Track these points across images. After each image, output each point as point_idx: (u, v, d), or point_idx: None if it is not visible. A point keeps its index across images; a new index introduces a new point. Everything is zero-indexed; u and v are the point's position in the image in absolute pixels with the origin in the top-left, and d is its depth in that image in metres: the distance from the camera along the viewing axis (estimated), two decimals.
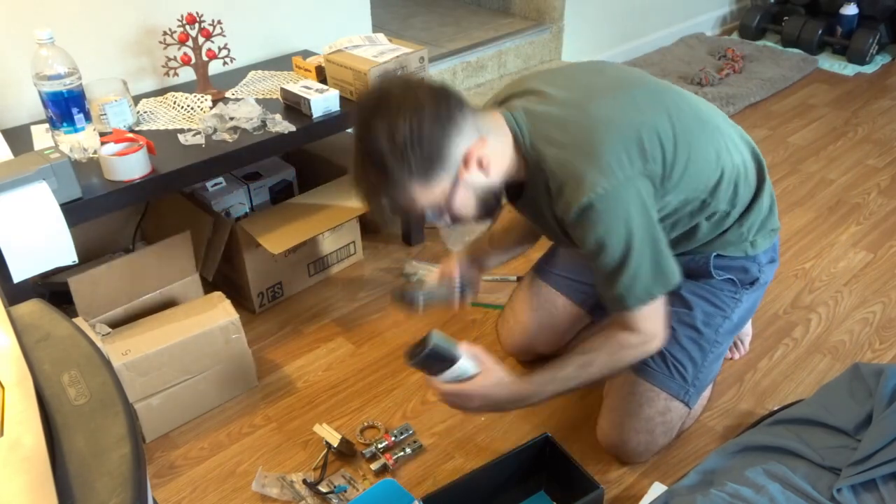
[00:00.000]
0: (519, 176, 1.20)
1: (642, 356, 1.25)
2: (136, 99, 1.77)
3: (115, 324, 1.53)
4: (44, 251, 1.28)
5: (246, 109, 1.64)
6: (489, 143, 1.13)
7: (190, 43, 1.71)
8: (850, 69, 3.23)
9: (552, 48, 3.00)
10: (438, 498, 1.25)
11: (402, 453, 1.44)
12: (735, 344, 1.67)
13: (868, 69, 3.23)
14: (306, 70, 1.85)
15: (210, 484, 1.42)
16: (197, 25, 1.70)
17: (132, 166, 1.42)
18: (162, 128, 1.65)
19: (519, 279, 1.93)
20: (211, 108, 1.70)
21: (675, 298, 1.38)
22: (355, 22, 2.19)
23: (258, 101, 1.76)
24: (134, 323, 1.53)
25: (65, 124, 1.51)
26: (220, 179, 1.84)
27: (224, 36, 1.78)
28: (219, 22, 1.75)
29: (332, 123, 1.71)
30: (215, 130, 1.60)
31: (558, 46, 3.02)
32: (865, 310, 1.81)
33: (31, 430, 0.62)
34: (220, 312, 1.53)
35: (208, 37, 1.73)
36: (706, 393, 1.50)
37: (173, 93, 1.77)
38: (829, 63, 3.29)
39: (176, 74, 1.81)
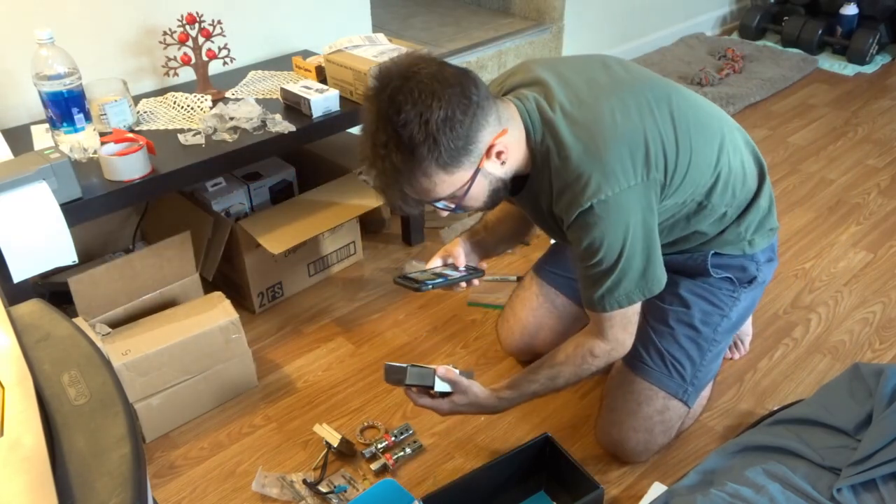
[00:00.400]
0: (525, 169, 1.20)
1: (607, 364, 1.28)
2: (136, 99, 1.77)
3: (115, 324, 1.53)
4: (44, 251, 1.28)
5: (246, 109, 1.64)
6: (509, 134, 1.12)
7: (190, 43, 1.71)
8: (850, 69, 3.23)
9: (552, 48, 3.00)
10: (438, 498, 1.25)
11: (402, 453, 1.44)
12: (735, 344, 1.67)
13: (868, 69, 3.23)
14: (306, 70, 1.85)
15: (210, 484, 1.42)
16: (197, 25, 1.70)
17: (132, 166, 1.42)
18: (162, 128, 1.65)
19: (519, 279, 1.93)
20: (211, 108, 1.70)
21: (674, 297, 1.38)
22: (355, 22, 2.19)
23: (258, 101, 1.76)
24: (134, 323, 1.53)
25: (65, 124, 1.51)
26: (220, 179, 1.83)
27: (224, 36, 1.78)
28: (219, 22, 1.75)
29: (332, 123, 1.71)
30: (215, 130, 1.60)
31: (558, 46, 3.02)
32: (865, 310, 1.81)
33: (31, 430, 0.62)
34: (220, 312, 1.53)
35: (208, 37, 1.73)
36: (706, 392, 1.50)
37: (173, 93, 1.77)
38: (829, 63, 3.29)
39: (176, 74, 1.81)
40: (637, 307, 1.23)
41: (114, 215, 1.84)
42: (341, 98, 1.73)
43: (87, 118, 1.54)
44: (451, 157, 1.05)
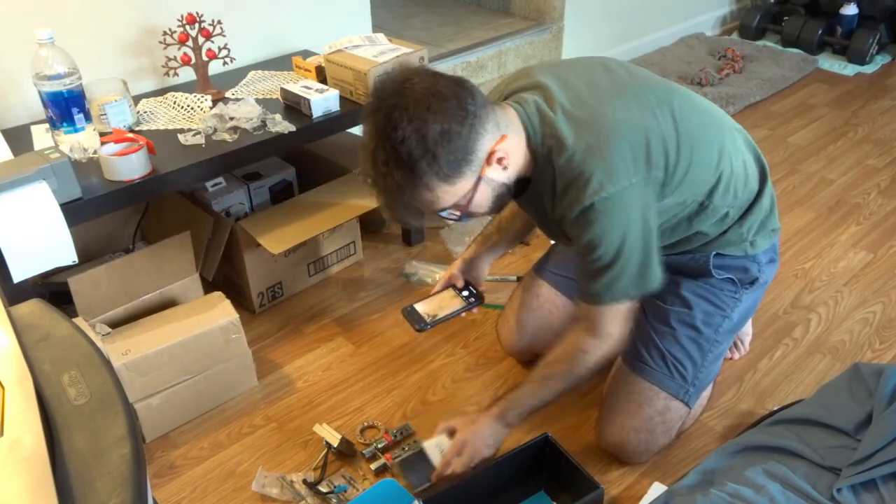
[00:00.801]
0: (527, 171, 1.21)
1: (599, 362, 1.28)
2: (136, 99, 1.77)
3: (115, 324, 1.53)
4: (44, 251, 1.28)
5: (246, 109, 1.64)
6: (509, 139, 1.13)
7: (190, 43, 1.71)
8: (850, 69, 3.23)
9: (552, 48, 3.00)
10: (438, 498, 1.25)
11: (402, 453, 1.44)
12: (735, 344, 1.66)
13: (868, 69, 3.23)
14: (306, 70, 1.85)
15: (210, 484, 1.42)
16: (197, 25, 1.70)
17: (132, 166, 1.42)
18: (162, 128, 1.65)
19: (519, 279, 1.93)
20: (211, 108, 1.70)
21: (676, 298, 1.38)
22: (355, 22, 2.19)
23: (258, 101, 1.76)
24: (134, 323, 1.53)
25: (65, 124, 1.51)
26: (220, 179, 1.83)
27: (224, 36, 1.78)
28: (219, 22, 1.75)
29: (332, 123, 1.71)
30: (215, 130, 1.60)
31: (558, 46, 3.02)
32: (865, 310, 1.81)
33: (31, 430, 0.62)
34: (220, 312, 1.53)
35: (208, 37, 1.73)
36: (706, 393, 1.50)
37: (173, 93, 1.77)
38: (829, 63, 3.29)
39: (176, 74, 1.81)
40: (631, 304, 1.23)
41: (114, 215, 1.84)
42: (341, 98, 1.73)
43: (87, 118, 1.54)
44: (452, 168, 1.07)
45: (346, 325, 1.81)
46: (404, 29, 3.01)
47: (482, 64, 2.77)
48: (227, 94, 1.80)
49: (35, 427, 0.63)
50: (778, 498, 1.18)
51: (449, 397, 1.59)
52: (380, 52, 1.74)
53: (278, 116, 1.65)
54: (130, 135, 1.49)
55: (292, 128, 1.63)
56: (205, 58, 1.75)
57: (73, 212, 1.33)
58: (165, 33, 1.71)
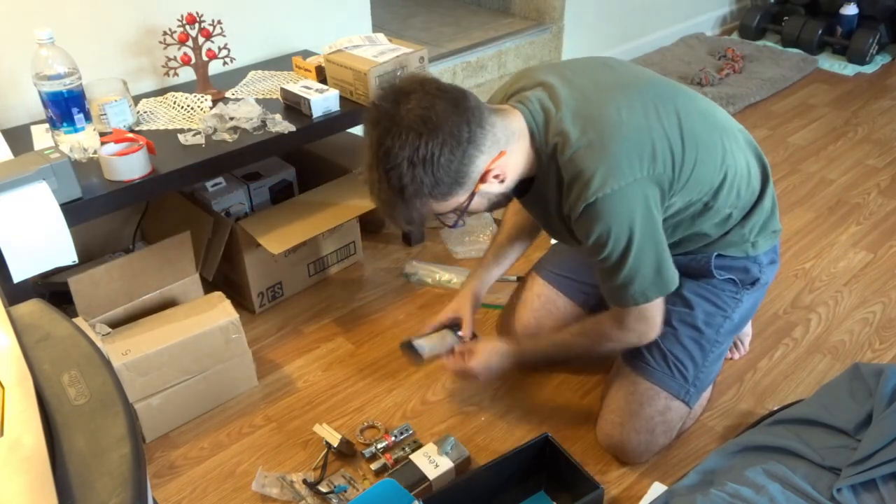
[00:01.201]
0: (530, 171, 1.21)
1: (624, 348, 1.33)
2: (136, 99, 1.77)
3: (115, 324, 1.53)
4: (44, 251, 1.28)
5: (246, 109, 1.64)
6: (508, 153, 1.14)
7: (190, 43, 1.71)
8: (850, 69, 3.23)
9: (552, 48, 3.00)
10: (438, 498, 1.25)
11: (402, 453, 1.44)
12: (735, 344, 1.66)
13: (868, 69, 3.23)
14: (306, 70, 1.85)
15: (210, 484, 1.42)
16: (197, 25, 1.70)
17: (132, 166, 1.42)
18: (162, 128, 1.65)
19: (519, 279, 1.93)
20: (211, 108, 1.70)
21: (677, 298, 1.38)
22: (355, 22, 2.19)
23: (258, 101, 1.76)
24: (134, 323, 1.53)
25: (65, 124, 1.51)
26: (220, 179, 1.83)
27: (224, 36, 1.78)
28: (219, 22, 1.75)
29: (332, 123, 1.71)
30: (215, 130, 1.60)
31: (558, 46, 3.02)
32: (865, 310, 1.81)
33: (31, 430, 0.62)
34: (220, 312, 1.53)
35: (208, 37, 1.73)
36: (706, 393, 1.50)
37: (173, 93, 1.77)
38: (829, 63, 3.29)
39: (176, 74, 1.81)
40: (659, 303, 1.23)
41: (114, 215, 1.84)
42: (341, 98, 1.73)
43: (87, 118, 1.54)
44: (442, 191, 1.10)
45: (346, 325, 1.81)
46: (404, 29, 3.01)
47: (482, 64, 2.77)
48: (227, 94, 1.80)
49: (35, 427, 0.63)
50: (778, 498, 1.18)
51: (449, 397, 1.59)
52: (380, 52, 1.74)
53: (278, 116, 1.65)
54: (130, 135, 1.49)
55: (292, 128, 1.63)
56: (205, 58, 1.75)
57: (73, 212, 1.33)
58: (165, 33, 1.71)
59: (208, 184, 1.80)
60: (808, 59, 3.28)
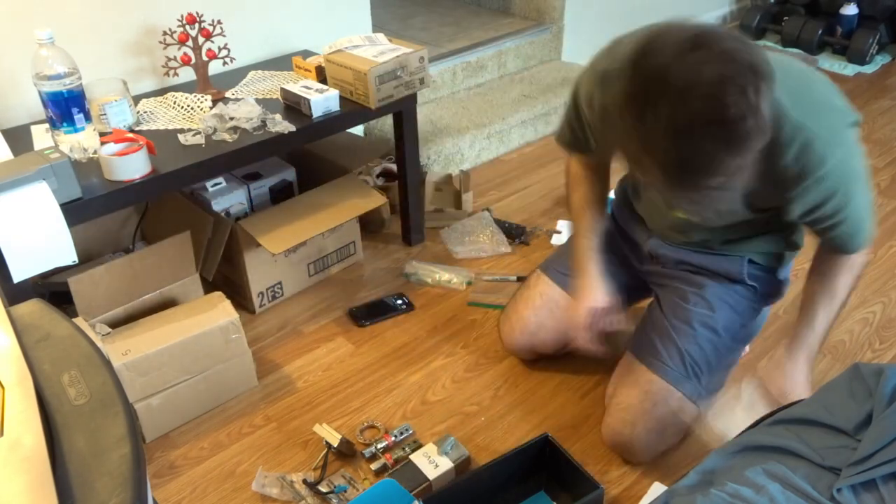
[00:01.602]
0: None
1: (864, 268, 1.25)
2: (136, 99, 1.77)
3: (115, 324, 1.53)
4: (44, 251, 1.28)
5: (246, 109, 1.64)
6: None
7: (190, 43, 1.71)
8: (850, 69, 3.23)
9: (552, 48, 3.00)
10: (438, 498, 1.25)
11: (402, 453, 1.44)
12: None
13: (868, 69, 3.23)
14: (306, 70, 1.85)
15: (210, 484, 1.42)
16: (197, 25, 1.70)
17: (132, 166, 1.42)
18: (162, 128, 1.65)
19: (519, 279, 1.93)
20: (211, 108, 1.70)
21: (700, 300, 1.38)
22: (355, 22, 2.19)
23: (258, 101, 1.76)
24: (134, 323, 1.53)
25: (65, 124, 1.51)
26: (220, 179, 1.84)
27: (224, 36, 1.78)
28: (219, 22, 1.75)
29: (332, 123, 1.71)
30: (215, 130, 1.60)
31: (558, 46, 3.02)
32: (865, 310, 1.81)
33: (31, 430, 0.62)
34: (220, 312, 1.53)
35: (208, 37, 1.73)
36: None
37: (173, 93, 1.77)
38: (829, 63, 3.29)
39: (176, 74, 1.81)
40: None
41: (114, 215, 1.85)
42: (341, 98, 1.73)
43: (87, 118, 1.54)
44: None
45: (346, 325, 1.81)
46: (404, 29, 3.01)
47: (482, 64, 2.77)
48: (227, 94, 1.80)
49: (35, 427, 0.63)
50: (778, 498, 1.18)
51: (449, 397, 1.59)
52: (380, 52, 1.74)
53: (278, 116, 1.65)
54: (130, 135, 1.49)
55: (292, 128, 1.63)
56: (205, 58, 1.75)
57: (73, 212, 1.34)
58: (165, 33, 1.72)
59: (208, 184, 1.80)
60: (809, 59, 3.28)
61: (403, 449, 1.45)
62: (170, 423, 1.52)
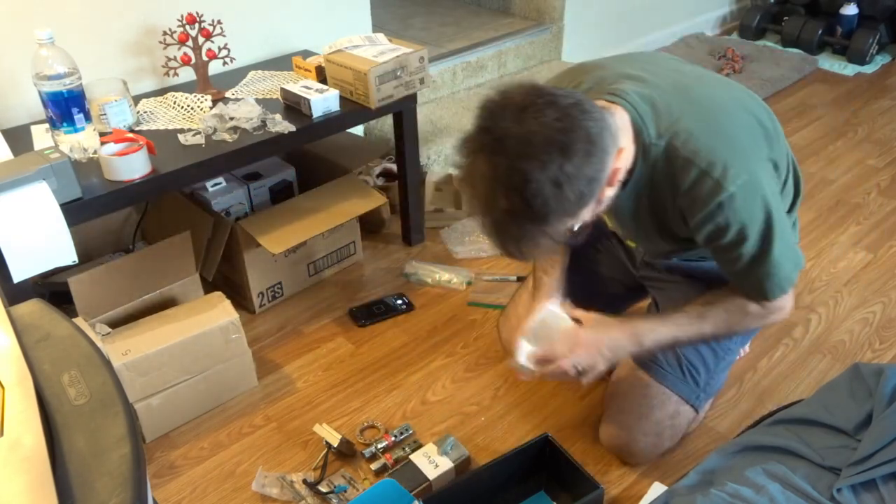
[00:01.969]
0: (629, 171, 1.11)
1: (759, 326, 1.22)
2: (136, 99, 1.77)
3: (115, 324, 1.53)
4: (44, 251, 1.28)
5: (246, 109, 1.64)
6: (625, 149, 1.05)
7: (190, 43, 1.71)
8: (850, 69, 3.23)
9: (552, 48, 3.00)
10: (438, 498, 1.25)
11: (402, 453, 1.44)
12: None
13: (868, 69, 3.23)
14: (306, 70, 1.85)
15: (210, 484, 1.42)
16: (197, 25, 1.70)
17: (132, 166, 1.42)
18: (162, 128, 1.65)
19: (519, 279, 1.93)
20: (211, 108, 1.70)
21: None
22: (355, 22, 2.19)
23: (258, 101, 1.76)
24: (134, 323, 1.53)
25: (65, 124, 1.51)
26: (220, 179, 1.83)
27: (224, 36, 1.78)
28: (219, 22, 1.75)
29: (332, 123, 1.71)
30: (215, 130, 1.60)
31: (558, 46, 3.02)
32: (865, 310, 1.81)
33: (31, 430, 0.62)
34: (220, 312, 1.53)
35: (208, 37, 1.73)
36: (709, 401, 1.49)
37: (173, 93, 1.77)
38: (829, 63, 3.29)
39: (176, 74, 1.81)
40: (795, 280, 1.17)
41: (114, 215, 1.85)
42: (341, 98, 1.73)
43: (87, 118, 1.54)
44: (579, 205, 0.97)
45: (345, 325, 1.81)
46: (404, 29, 3.01)
47: (482, 64, 2.77)
48: (227, 94, 1.80)
49: (35, 427, 0.63)
50: (778, 498, 1.18)
51: (449, 397, 1.59)
52: (380, 52, 1.74)
53: (278, 116, 1.65)
54: (130, 135, 1.49)
55: (292, 128, 1.63)
56: (205, 58, 1.75)
57: (73, 212, 1.34)
58: (165, 33, 1.71)
59: (208, 184, 1.80)
60: (808, 59, 3.28)
61: (403, 449, 1.45)
62: (170, 423, 1.52)
